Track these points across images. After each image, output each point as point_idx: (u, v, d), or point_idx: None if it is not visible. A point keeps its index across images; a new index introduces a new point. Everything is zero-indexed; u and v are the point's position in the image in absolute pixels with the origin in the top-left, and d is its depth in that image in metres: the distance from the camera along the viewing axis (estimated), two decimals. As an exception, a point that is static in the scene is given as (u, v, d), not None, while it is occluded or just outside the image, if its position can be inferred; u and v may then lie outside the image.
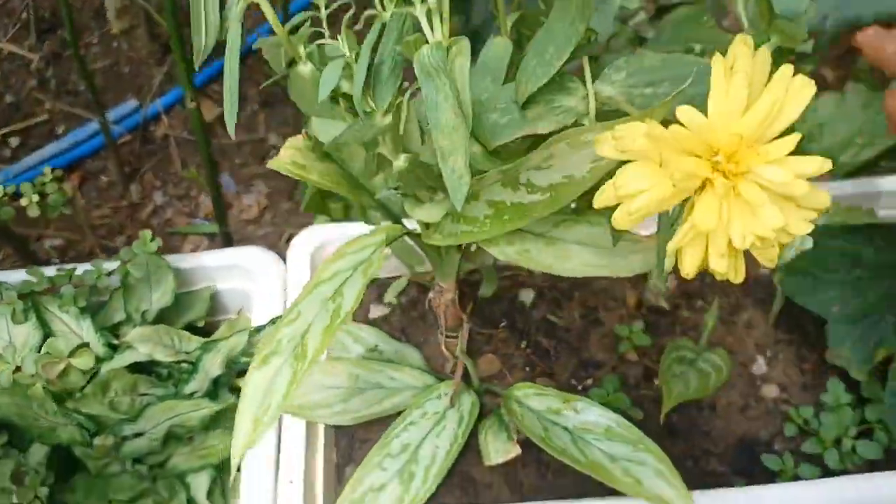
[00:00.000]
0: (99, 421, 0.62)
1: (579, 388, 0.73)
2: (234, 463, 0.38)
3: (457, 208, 0.36)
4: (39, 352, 0.60)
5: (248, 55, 1.30)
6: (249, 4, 0.39)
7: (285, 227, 1.18)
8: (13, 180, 1.19)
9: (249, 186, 1.23)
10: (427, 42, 0.37)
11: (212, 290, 0.74)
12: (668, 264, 0.35)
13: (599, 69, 0.41)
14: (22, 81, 1.28)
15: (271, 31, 0.42)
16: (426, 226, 0.49)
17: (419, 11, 0.35)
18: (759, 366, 0.73)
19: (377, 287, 0.79)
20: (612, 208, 0.33)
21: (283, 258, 0.77)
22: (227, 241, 1.02)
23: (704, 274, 0.66)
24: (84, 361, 0.55)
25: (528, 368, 0.74)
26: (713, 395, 0.71)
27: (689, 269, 0.34)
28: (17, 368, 0.55)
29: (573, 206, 0.44)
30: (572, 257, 0.46)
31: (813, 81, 0.31)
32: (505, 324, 0.77)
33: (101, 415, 0.61)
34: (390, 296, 0.68)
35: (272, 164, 0.48)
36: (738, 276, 0.35)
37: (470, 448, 0.70)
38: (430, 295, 0.61)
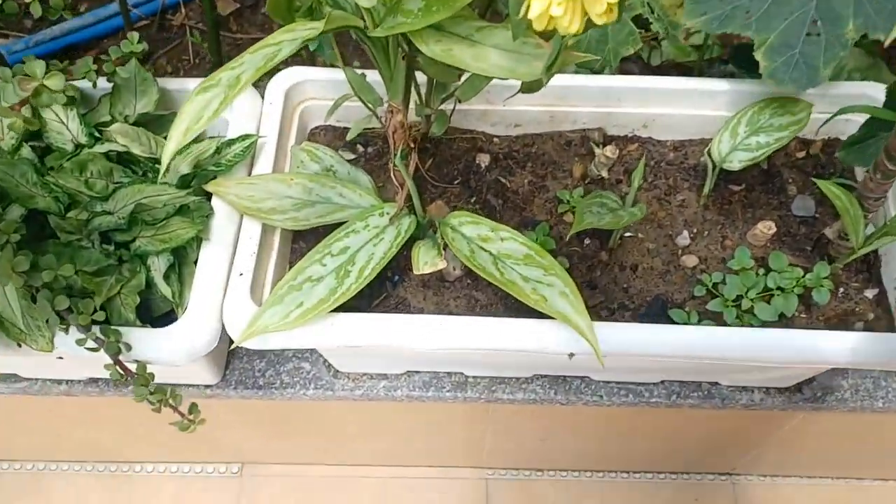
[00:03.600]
0: (74, 197, 0.69)
1: (517, 240, 0.79)
2: (163, 162, 0.45)
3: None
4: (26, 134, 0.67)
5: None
6: None
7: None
8: (32, 50, 1.25)
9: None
10: None
11: (193, 115, 0.81)
12: (522, 14, 0.40)
13: None
14: (50, -51, 1.34)
15: None
16: (370, 24, 0.55)
17: None
18: (684, 238, 0.79)
19: (343, 132, 0.85)
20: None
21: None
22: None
23: (644, 155, 0.71)
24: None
25: (473, 221, 0.81)
26: (636, 257, 0.78)
27: (536, 15, 0.39)
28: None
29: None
30: (487, 59, 0.52)
31: None
32: (459, 181, 0.83)
33: (77, 191, 0.68)
34: (353, 133, 0.75)
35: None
36: (573, 26, 0.40)
37: (409, 278, 0.76)
38: (380, 113, 0.67)
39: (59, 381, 0.88)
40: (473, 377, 0.89)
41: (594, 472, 1.26)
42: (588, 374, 0.89)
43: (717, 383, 0.88)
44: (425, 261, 0.68)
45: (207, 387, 0.89)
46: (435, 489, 1.26)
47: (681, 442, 1.17)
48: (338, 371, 0.89)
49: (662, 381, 0.89)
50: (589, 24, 0.40)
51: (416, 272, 0.67)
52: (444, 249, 0.69)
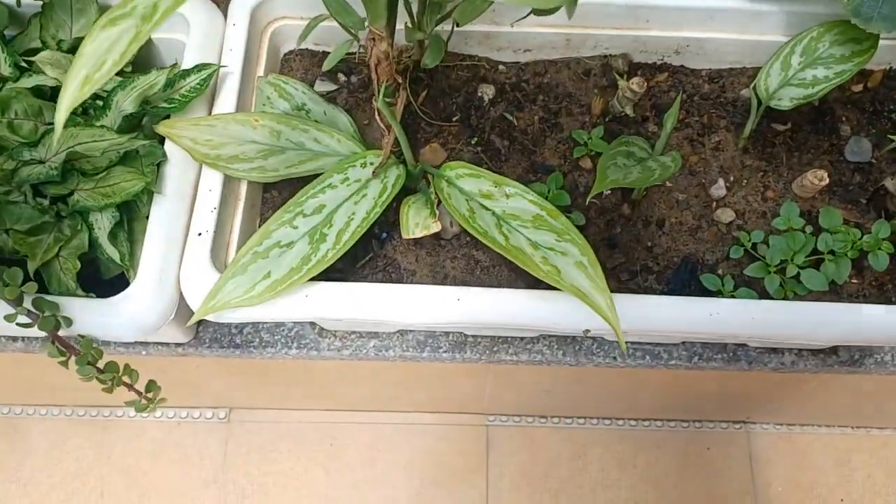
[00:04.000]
0: (-2, 143, 0.58)
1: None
2: (58, 119, 0.34)
3: None
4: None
5: None
6: None
7: None
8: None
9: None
10: None
11: (144, 38, 0.68)
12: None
13: None
14: None
15: None
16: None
17: None
18: (719, 188, 0.68)
19: (323, 57, 0.73)
20: None
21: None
22: None
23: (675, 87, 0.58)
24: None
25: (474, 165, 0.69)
26: (665, 212, 0.67)
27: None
28: None
29: None
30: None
31: None
32: (458, 118, 0.71)
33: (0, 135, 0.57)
34: (329, 63, 0.62)
35: None
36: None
37: (398, 234, 0.66)
38: (362, 41, 0.54)
39: (15, 339, 0.79)
40: (473, 337, 0.80)
41: (600, 419, 1.19)
42: (602, 335, 0.79)
43: (744, 345, 0.78)
44: (416, 222, 0.57)
45: (179, 345, 0.80)
46: (433, 435, 1.19)
47: (695, 394, 1.09)
48: (323, 329, 0.80)
49: (683, 343, 0.79)
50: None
51: (405, 236, 0.57)
52: (439, 206, 0.59)
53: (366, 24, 0.56)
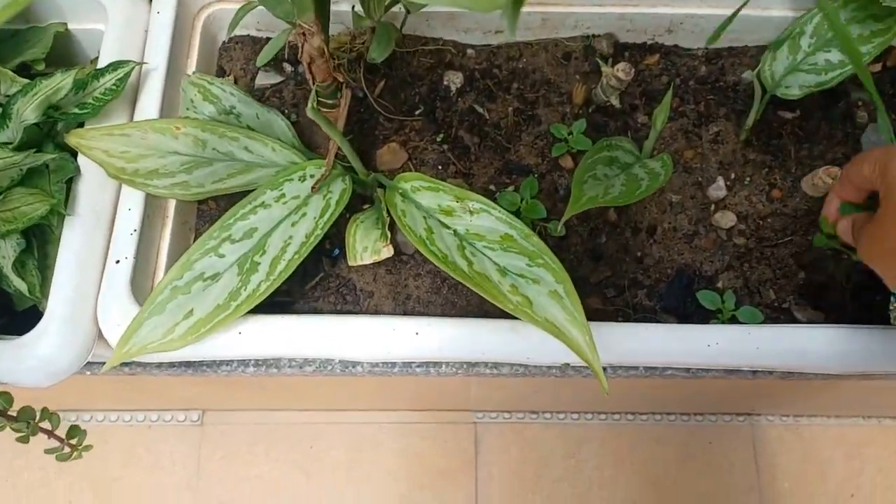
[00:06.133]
0: None
1: (496, 195, 0.60)
2: None
3: None
4: None
5: None
6: None
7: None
8: None
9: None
10: None
11: (59, 28, 0.60)
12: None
13: None
14: None
15: None
16: None
17: None
18: (718, 188, 0.59)
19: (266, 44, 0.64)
20: None
21: None
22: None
23: (667, 70, 0.49)
24: None
25: (440, 167, 0.61)
26: (654, 214, 0.59)
27: None
28: None
29: None
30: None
31: None
32: (422, 111, 0.63)
33: None
34: (263, 58, 0.54)
35: None
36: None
37: (354, 249, 0.58)
38: (291, 37, 0.46)
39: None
40: (448, 350, 0.72)
41: (595, 413, 1.13)
42: (584, 366, 0.72)
43: (747, 353, 0.71)
44: (364, 246, 0.49)
45: (125, 365, 0.73)
46: (418, 434, 1.13)
47: (696, 390, 1.02)
48: (282, 344, 0.72)
49: (680, 351, 0.72)
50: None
51: (351, 263, 0.49)
52: (391, 227, 0.51)
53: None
